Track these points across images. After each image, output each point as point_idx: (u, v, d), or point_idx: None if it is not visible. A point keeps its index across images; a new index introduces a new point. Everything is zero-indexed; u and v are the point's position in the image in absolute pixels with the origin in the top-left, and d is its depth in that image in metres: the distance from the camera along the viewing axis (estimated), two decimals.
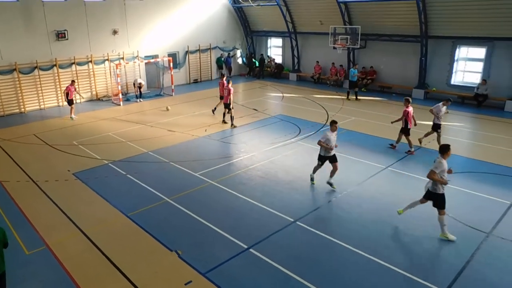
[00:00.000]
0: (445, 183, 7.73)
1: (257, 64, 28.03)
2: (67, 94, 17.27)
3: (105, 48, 21.36)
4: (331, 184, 10.18)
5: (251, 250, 7.61)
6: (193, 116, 17.86)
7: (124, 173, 11.49)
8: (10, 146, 14.12)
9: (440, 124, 12.81)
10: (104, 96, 21.63)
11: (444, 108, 12.73)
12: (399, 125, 12.96)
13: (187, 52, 25.46)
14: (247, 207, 9.37)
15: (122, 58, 21.93)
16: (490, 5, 16.96)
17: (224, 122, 16.29)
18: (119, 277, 6.92)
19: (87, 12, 20.21)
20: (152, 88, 23.71)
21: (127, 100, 21.19)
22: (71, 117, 17.46)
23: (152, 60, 22.41)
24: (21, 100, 18.95)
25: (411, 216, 8.77)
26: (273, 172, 11.37)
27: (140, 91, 21.17)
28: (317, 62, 25.07)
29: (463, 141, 13.82)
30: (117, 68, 20.18)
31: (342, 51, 22.96)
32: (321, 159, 10.19)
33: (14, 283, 6.71)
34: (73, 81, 17.79)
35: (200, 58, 26.37)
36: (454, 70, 19.76)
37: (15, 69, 18.41)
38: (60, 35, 19.44)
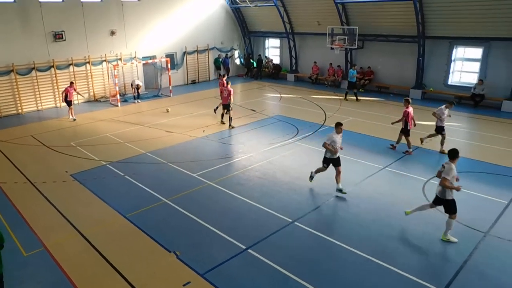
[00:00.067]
0: (458, 190, 7.57)
1: (255, 64, 28.06)
2: (66, 96, 17.21)
3: (102, 49, 21.33)
4: (340, 190, 9.88)
5: (249, 250, 7.61)
6: (191, 117, 17.86)
7: (122, 174, 11.48)
8: (8, 147, 14.09)
9: (443, 127, 12.66)
10: (102, 97, 21.59)
11: (446, 111, 12.56)
12: (399, 125, 12.97)
13: (185, 53, 25.46)
14: (245, 208, 9.38)
15: (120, 59, 21.91)
16: (487, 5, 17.03)
17: (222, 122, 16.29)
18: (117, 278, 6.92)
19: (84, 13, 20.19)
20: (150, 89, 23.68)
21: (125, 101, 21.17)
22: (73, 119, 17.39)
23: (150, 61, 22.41)
24: (18, 101, 18.90)
25: (410, 216, 8.79)
26: (271, 172, 11.38)
27: (138, 92, 21.17)
28: (315, 62, 25.11)
29: (460, 141, 13.85)
30: (114, 69, 20.16)
31: (340, 52, 23.00)
32: (327, 162, 9.96)
33: (12, 285, 6.70)
34: (72, 83, 17.73)
35: (198, 59, 26.37)
36: (451, 70, 19.83)
37: (12, 70, 18.36)
38: (58, 36, 19.41)
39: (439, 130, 12.71)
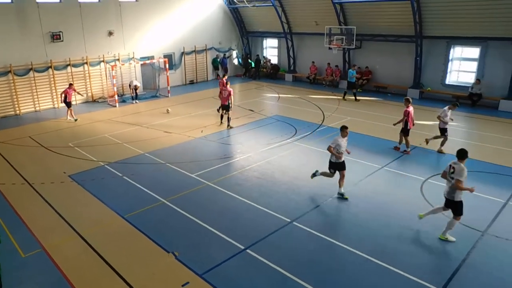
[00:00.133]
0: (472, 191, 7.41)
1: (253, 65, 28.07)
2: (65, 97, 17.15)
3: (100, 49, 21.30)
4: (342, 195, 9.75)
5: (247, 250, 7.62)
6: (189, 117, 17.86)
7: (120, 174, 11.47)
8: (5, 148, 14.05)
9: (446, 128, 12.57)
10: (100, 98, 21.57)
11: (449, 112, 12.46)
12: (399, 125, 12.92)
13: (182, 53, 25.45)
14: (244, 208, 9.39)
15: (118, 60, 21.89)
16: (484, 5, 17.09)
17: (222, 123, 16.23)
18: (116, 279, 6.92)
19: (82, 13, 20.16)
20: (148, 89, 23.68)
21: (123, 101, 21.16)
22: (74, 119, 17.34)
23: (147, 62, 22.40)
24: (16, 102, 18.87)
25: (407, 216, 8.84)
26: (270, 172, 11.39)
27: (136, 93, 21.17)
28: (313, 62, 25.14)
29: (458, 140, 13.88)
30: (112, 69, 20.15)
31: (338, 52, 23.05)
32: (333, 167, 9.74)
33: (11, 286, 6.70)
34: (70, 84, 17.65)
35: (196, 59, 26.37)
36: (448, 70, 19.90)
37: (10, 71, 18.32)
38: (55, 37, 19.38)
39: (443, 131, 12.63)
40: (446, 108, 12.61)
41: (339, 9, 21.96)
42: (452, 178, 7.49)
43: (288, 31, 25.73)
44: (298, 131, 15.15)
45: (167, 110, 18.62)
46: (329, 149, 9.57)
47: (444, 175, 7.88)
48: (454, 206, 7.67)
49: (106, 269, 7.18)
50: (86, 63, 20.83)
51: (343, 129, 9.65)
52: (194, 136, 14.87)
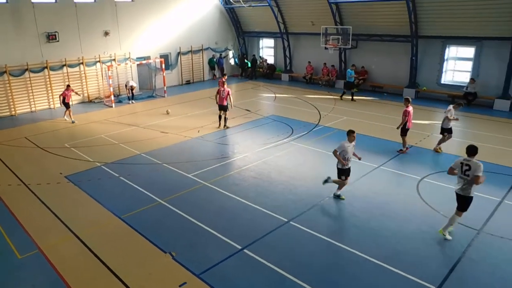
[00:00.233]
0: (482, 182, 7.47)
1: (249, 65, 28.07)
2: (63, 98, 17.06)
3: (96, 49, 21.24)
4: (338, 196, 9.63)
5: (245, 250, 7.63)
6: (186, 117, 17.84)
7: (117, 175, 11.45)
8: (1, 149, 13.98)
9: (450, 128, 12.51)
10: (96, 98, 21.51)
11: (453, 112, 12.37)
12: (397, 125, 12.84)
13: (179, 53, 25.43)
14: (241, 208, 9.40)
15: (114, 60, 21.83)
16: (479, 5, 17.21)
17: (221, 125, 15.88)
18: (113, 279, 6.91)
19: (78, 13, 20.10)
20: (144, 89, 23.63)
21: (119, 102, 21.10)
22: (72, 121, 17.22)
23: (144, 62, 22.37)
24: (11, 103, 18.78)
25: (404, 215, 8.89)
26: (266, 172, 11.41)
27: (132, 93, 21.14)
28: (309, 62, 25.19)
29: (454, 139, 13.90)
30: (108, 69, 20.11)
31: (334, 51, 23.10)
32: (343, 173, 9.33)
33: None
34: (68, 86, 17.51)
35: (192, 59, 26.35)
36: (444, 69, 20.00)
37: (5, 72, 18.22)
38: (51, 37, 19.30)
39: (448, 131, 12.53)
40: (451, 107, 12.46)
41: (335, 9, 22.01)
42: (468, 176, 7.46)
43: (284, 31, 25.76)
44: (295, 131, 15.18)
45: (167, 111, 18.42)
46: (334, 153, 9.23)
47: (451, 172, 7.81)
48: (465, 201, 7.65)
49: (103, 270, 7.18)
50: (82, 63, 20.76)
51: (350, 133, 9.12)
52: (190, 136, 14.87)
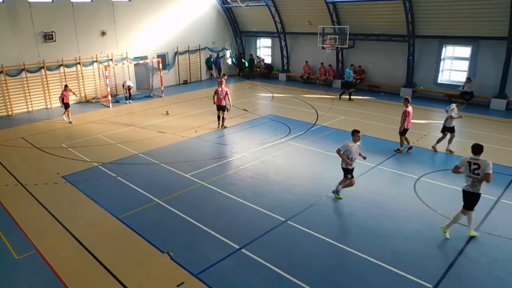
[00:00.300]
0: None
1: (246, 64, 28.08)
2: (62, 99, 16.98)
3: (93, 49, 21.20)
4: (337, 192, 9.55)
5: (243, 250, 7.64)
6: (183, 117, 17.83)
7: (114, 175, 11.43)
8: None
9: (453, 127, 12.44)
10: (93, 98, 21.46)
11: (456, 110, 12.33)
12: (397, 125, 12.84)
13: (176, 53, 25.40)
14: (238, 208, 9.41)
15: (111, 60, 21.79)
16: (475, 5, 17.27)
17: (222, 125, 15.81)
18: (111, 279, 6.90)
19: (74, 13, 20.04)
20: (141, 89, 23.60)
21: (117, 101, 21.07)
22: (69, 121, 17.14)
23: (141, 62, 22.32)
24: (8, 103, 18.71)
25: (402, 215, 8.91)
26: (264, 172, 11.42)
27: (129, 93, 21.10)
28: (306, 62, 25.21)
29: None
30: (106, 69, 20.06)
31: (331, 51, 23.15)
32: (348, 173, 9.24)
33: None
34: (66, 86, 17.38)
35: (189, 59, 26.32)
36: (440, 69, 20.07)
37: (1, 72, 18.15)
38: (48, 37, 19.24)
39: (451, 130, 12.48)
40: (454, 106, 12.41)
41: (332, 8, 22.05)
42: (478, 174, 7.47)
43: (281, 30, 25.78)
44: (292, 131, 15.20)
45: (167, 112, 18.30)
46: (337, 152, 9.15)
47: (456, 171, 7.81)
48: (474, 198, 7.65)
49: (101, 270, 7.16)
50: (79, 63, 20.71)
51: (354, 133, 9.00)
52: (188, 136, 14.86)
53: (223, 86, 15.50)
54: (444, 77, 20.26)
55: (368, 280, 6.79)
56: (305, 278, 6.79)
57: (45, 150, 13.70)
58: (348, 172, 9.28)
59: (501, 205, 9.33)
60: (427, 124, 15.95)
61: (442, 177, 10.84)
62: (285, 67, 26.92)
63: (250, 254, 7.50)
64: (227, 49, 28.92)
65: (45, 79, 19.61)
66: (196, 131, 15.41)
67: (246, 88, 24.31)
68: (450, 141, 12.66)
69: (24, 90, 19.15)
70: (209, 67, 27.69)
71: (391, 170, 11.49)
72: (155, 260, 7.42)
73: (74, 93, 18.72)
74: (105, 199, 9.95)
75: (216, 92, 15.42)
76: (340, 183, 9.62)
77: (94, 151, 13.46)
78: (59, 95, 17.24)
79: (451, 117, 12.32)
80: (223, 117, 15.75)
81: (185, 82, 26.54)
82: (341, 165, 9.33)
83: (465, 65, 19.31)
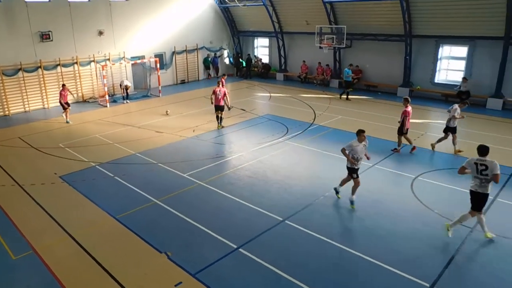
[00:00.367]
0: None
1: (244, 64, 28.07)
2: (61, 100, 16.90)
3: (90, 49, 21.15)
4: (352, 202, 9.28)
5: (240, 250, 7.65)
6: (181, 116, 17.82)
7: (111, 175, 11.42)
8: None
9: (454, 128, 12.42)
10: (91, 98, 21.42)
11: (459, 110, 12.30)
12: (396, 125, 12.86)
13: (173, 52, 25.37)
14: (236, 207, 9.42)
15: (108, 59, 21.75)
16: (472, 5, 17.34)
17: (221, 125, 15.82)
18: (108, 280, 6.90)
19: (72, 12, 19.99)
20: (139, 89, 23.57)
21: (114, 101, 21.03)
22: (66, 121, 17.07)
23: (138, 61, 22.28)
24: (5, 103, 18.65)
25: (399, 214, 8.95)
26: (262, 171, 11.43)
27: (126, 92, 21.06)
28: (304, 61, 25.24)
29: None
30: (103, 69, 20.03)
31: (328, 51, 23.18)
32: (353, 172, 9.11)
33: None
34: (63, 85, 17.28)
35: (187, 58, 26.30)
36: (437, 68, 20.14)
37: None
38: (45, 36, 19.19)
39: (453, 130, 12.45)
40: (456, 106, 12.37)
41: (330, 8, 22.08)
42: (486, 175, 7.47)
43: (279, 30, 25.79)
44: (290, 130, 15.22)
45: (166, 112, 18.21)
46: (342, 151, 9.09)
47: (462, 172, 7.79)
48: (483, 198, 7.64)
49: (98, 270, 7.16)
50: (76, 63, 20.66)
51: (359, 133, 8.98)
52: (185, 136, 14.86)
53: (220, 86, 15.47)
54: (441, 76, 20.33)
55: (366, 279, 6.82)
56: (303, 277, 6.81)
57: (42, 150, 13.67)
58: (353, 171, 9.17)
59: (497, 205, 9.37)
60: (423, 123, 16.00)
61: (439, 177, 10.89)
62: (283, 67, 26.93)
63: (248, 254, 7.52)
64: (225, 49, 28.92)
65: (42, 79, 19.56)
66: (193, 131, 15.40)
67: (244, 88, 24.31)
68: (454, 142, 12.60)
69: (21, 90, 19.08)
70: (206, 67, 27.67)
71: (388, 170, 11.52)
72: (152, 260, 7.42)
73: (71, 93, 18.71)
74: (102, 199, 9.94)
75: (214, 92, 15.38)
76: (341, 183, 9.56)
77: (91, 151, 13.44)
78: (59, 96, 16.88)
79: (453, 117, 12.30)
80: (221, 117, 15.74)
81: (183, 82, 26.52)
82: (347, 164, 9.23)
83: (461, 64, 19.39)
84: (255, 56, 28.96)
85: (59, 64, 19.99)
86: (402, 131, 12.57)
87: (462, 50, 19.27)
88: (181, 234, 8.32)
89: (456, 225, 7.97)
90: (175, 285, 6.69)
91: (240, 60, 28.45)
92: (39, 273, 7.14)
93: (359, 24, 21.61)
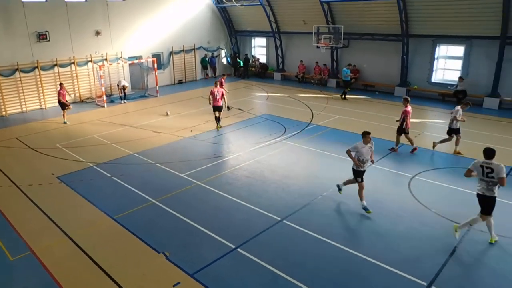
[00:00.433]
0: None
1: (241, 64, 28.07)
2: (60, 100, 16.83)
3: (88, 49, 21.10)
4: (366, 209, 8.92)
5: (238, 250, 7.66)
6: (178, 116, 17.81)
7: (109, 175, 11.41)
8: None
9: (459, 129, 12.36)
10: (88, 98, 21.38)
11: (461, 112, 12.26)
12: (392, 124, 12.86)
13: (171, 52, 25.35)
14: (234, 207, 9.42)
15: (106, 59, 21.71)
16: (469, 4, 17.40)
17: (220, 126, 15.72)
18: (107, 280, 6.90)
19: (68, 13, 19.94)
20: (136, 89, 23.52)
21: (111, 101, 20.99)
22: (64, 121, 17.01)
23: (136, 61, 22.24)
24: (2, 103, 18.58)
25: (397, 213, 8.98)
26: (259, 171, 11.44)
27: (124, 93, 21.03)
28: (301, 61, 25.27)
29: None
30: (100, 69, 19.98)
31: (326, 50, 23.21)
32: (358, 175, 8.97)
33: None
34: (61, 84, 17.20)
35: (184, 58, 26.28)
36: (434, 68, 20.21)
37: None
38: (42, 37, 19.13)
39: (456, 131, 12.39)
40: (459, 107, 12.34)
41: (327, 8, 22.11)
42: (492, 178, 7.42)
43: (276, 30, 25.80)
44: (287, 130, 15.24)
45: (166, 113, 18.12)
46: (347, 152, 8.97)
47: (469, 174, 7.74)
48: (492, 201, 7.59)
49: (96, 271, 7.15)
50: (73, 63, 20.61)
51: (365, 135, 8.81)
52: (183, 136, 14.85)
53: (218, 86, 15.43)
54: (437, 76, 20.40)
55: (364, 278, 6.84)
56: (301, 277, 6.83)
57: (40, 151, 13.64)
58: (358, 175, 8.99)
59: (497, 204, 9.24)
60: (421, 123, 16.05)
61: (437, 176, 10.93)
62: (280, 67, 26.95)
63: (246, 254, 7.53)
64: (222, 49, 28.90)
65: (39, 79, 19.50)
66: (191, 131, 15.40)
67: (241, 88, 24.31)
68: (457, 143, 12.57)
69: (18, 90, 19.03)
70: (204, 67, 27.66)
71: (386, 169, 11.55)
72: (150, 260, 7.42)
73: (68, 93, 18.64)
74: (100, 199, 9.92)
75: (211, 93, 15.29)
76: (360, 199, 9.20)
77: (89, 151, 13.41)
78: (58, 96, 16.76)
79: (455, 119, 12.26)
80: (219, 117, 15.70)
81: (180, 82, 26.50)
82: (353, 166, 9.09)
83: (458, 64, 19.45)
84: (252, 56, 28.96)
85: (56, 65, 19.94)
86: (401, 130, 12.60)
87: (458, 50, 19.34)
88: (179, 234, 8.33)
89: (464, 227, 7.93)
90: (173, 285, 6.69)
91: (238, 60, 28.45)
92: (37, 274, 7.12)
93: (356, 24, 21.64)
